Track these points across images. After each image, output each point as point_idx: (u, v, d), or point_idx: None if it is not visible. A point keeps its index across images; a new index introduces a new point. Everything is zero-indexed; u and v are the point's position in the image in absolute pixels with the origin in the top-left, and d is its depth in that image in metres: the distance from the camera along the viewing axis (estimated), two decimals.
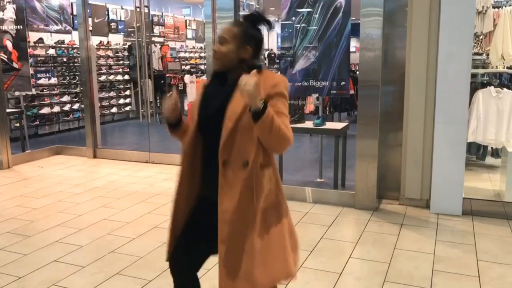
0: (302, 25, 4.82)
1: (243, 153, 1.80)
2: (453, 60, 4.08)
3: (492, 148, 5.84)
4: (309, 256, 3.43)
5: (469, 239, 3.72)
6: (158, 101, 9.84)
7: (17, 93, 7.26)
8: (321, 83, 4.82)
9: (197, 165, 1.95)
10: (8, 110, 6.63)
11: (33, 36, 8.68)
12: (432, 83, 4.23)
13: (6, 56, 6.44)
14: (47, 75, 8.92)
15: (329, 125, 5.18)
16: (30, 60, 7.64)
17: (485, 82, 5.32)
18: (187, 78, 10.11)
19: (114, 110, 10.67)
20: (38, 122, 8.77)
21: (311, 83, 4.86)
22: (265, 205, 1.84)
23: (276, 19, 15.58)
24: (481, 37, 6.49)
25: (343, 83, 4.76)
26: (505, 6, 6.00)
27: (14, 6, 6.43)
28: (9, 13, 6.40)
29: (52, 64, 9.15)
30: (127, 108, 11.06)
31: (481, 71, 5.68)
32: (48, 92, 9.02)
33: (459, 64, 4.07)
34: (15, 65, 6.57)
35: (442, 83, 4.14)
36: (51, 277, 3.13)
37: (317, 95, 5.00)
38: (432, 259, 3.36)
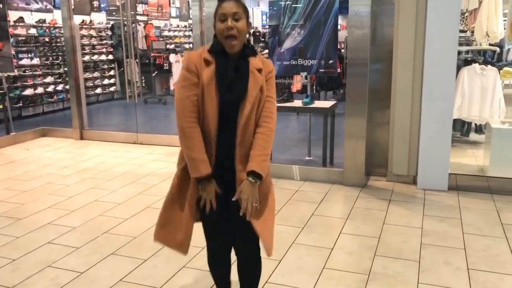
0: (289, 2, 4.79)
1: (252, 125, 1.98)
2: (440, 37, 4.12)
3: (475, 124, 5.96)
4: (301, 233, 3.50)
5: (455, 213, 3.83)
6: (143, 81, 9.76)
7: None
8: (309, 62, 4.82)
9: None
10: None
11: (12, 15, 8.45)
12: (420, 60, 4.28)
13: None
14: (29, 55, 8.73)
15: (317, 103, 5.21)
16: (11, 40, 7.45)
17: (469, 59, 5.39)
18: (172, 57, 10.00)
19: (98, 90, 10.53)
20: (21, 104, 8.62)
21: (299, 62, 4.86)
22: None
23: None
24: (466, 14, 6.54)
25: (331, 61, 4.77)
26: None
27: None
28: None
29: (34, 44, 8.95)
30: (112, 89, 10.92)
31: (465, 48, 5.75)
32: (30, 73, 8.84)
33: (446, 41, 4.11)
34: None
35: (429, 60, 4.18)
36: (46, 259, 3.14)
37: (305, 73, 5.01)
38: (420, 233, 3.47)
